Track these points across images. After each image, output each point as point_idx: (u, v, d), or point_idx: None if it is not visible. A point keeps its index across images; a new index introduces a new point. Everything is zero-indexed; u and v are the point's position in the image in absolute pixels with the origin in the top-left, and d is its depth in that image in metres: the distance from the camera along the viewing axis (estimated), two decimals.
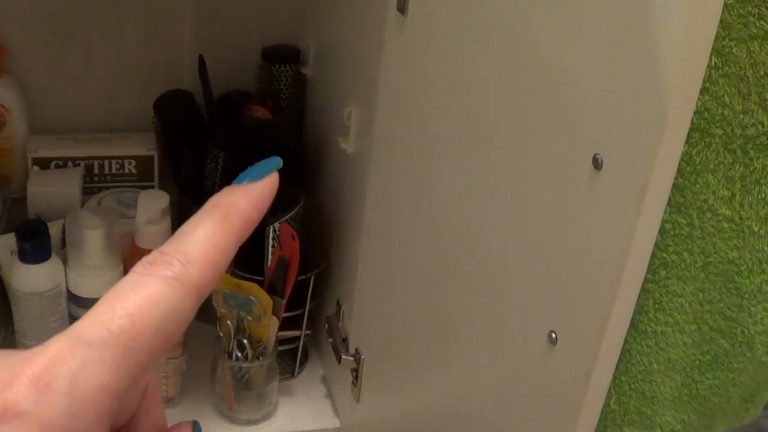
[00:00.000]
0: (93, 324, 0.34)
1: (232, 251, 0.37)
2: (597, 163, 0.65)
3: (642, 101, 0.61)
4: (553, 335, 0.73)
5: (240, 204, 0.38)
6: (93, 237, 1.19)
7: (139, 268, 0.36)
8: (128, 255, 1.26)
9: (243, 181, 0.39)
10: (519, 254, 0.78)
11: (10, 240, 1.25)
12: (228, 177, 1.29)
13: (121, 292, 0.35)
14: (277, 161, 0.39)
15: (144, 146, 1.48)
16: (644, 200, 0.62)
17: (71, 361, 0.33)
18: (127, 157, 1.47)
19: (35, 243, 1.19)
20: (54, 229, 1.25)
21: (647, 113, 0.61)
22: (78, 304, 1.23)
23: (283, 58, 1.43)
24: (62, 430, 0.33)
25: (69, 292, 1.23)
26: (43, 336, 1.24)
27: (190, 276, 0.36)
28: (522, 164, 0.76)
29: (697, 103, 0.64)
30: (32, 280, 1.21)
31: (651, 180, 0.61)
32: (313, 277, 1.29)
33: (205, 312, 1.38)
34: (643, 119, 0.61)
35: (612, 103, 0.64)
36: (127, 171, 1.47)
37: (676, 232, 0.79)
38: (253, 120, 1.37)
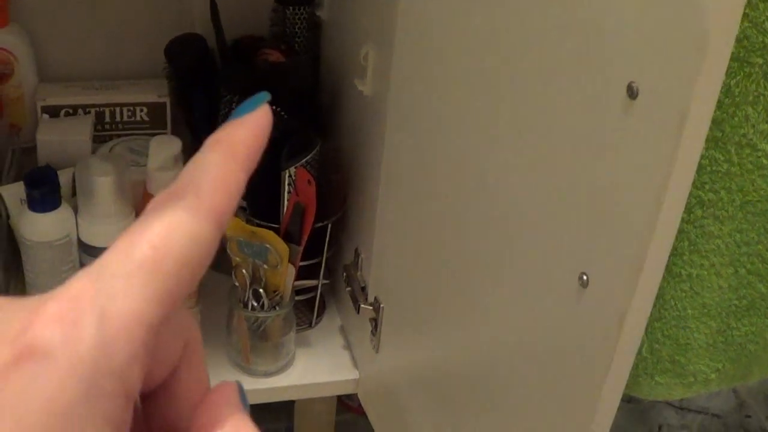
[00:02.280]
0: (114, 257, 0.32)
1: (241, 180, 0.36)
2: (632, 92, 0.61)
3: (681, 25, 0.57)
4: (584, 277, 0.69)
5: (238, 134, 0.37)
6: (104, 184, 1.17)
7: (150, 206, 0.35)
8: (140, 203, 1.23)
9: (235, 117, 0.38)
10: (547, 192, 0.74)
11: (19, 188, 1.23)
12: None
13: (138, 227, 0.33)
14: (265, 95, 0.39)
15: (155, 93, 1.45)
16: (683, 131, 0.58)
17: (96, 294, 0.31)
18: (139, 104, 1.44)
19: (44, 191, 1.17)
20: (64, 177, 1.22)
21: (687, 38, 0.57)
22: (89, 253, 1.20)
23: (298, 1, 1.40)
24: (95, 366, 0.30)
25: (80, 241, 1.21)
26: (54, 286, 1.20)
27: (205, 202, 0.35)
28: (551, 95, 0.72)
29: None
30: (42, 228, 1.18)
31: (691, 109, 0.57)
32: (330, 225, 1.26)
33: (220, 261, 1.36)
34: (682, 44, 0.57)
35: (648, 27, 0.60)
36: (138, 118, 1.45)
37: (713, 168, 0.76)
38: (266, 64, 1.33)
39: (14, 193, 1.25)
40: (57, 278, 1.21)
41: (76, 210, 1.20)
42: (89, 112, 1.44)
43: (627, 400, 1.92)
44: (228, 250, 1.21)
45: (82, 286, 0.32)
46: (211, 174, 0.36)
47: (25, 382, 0.30)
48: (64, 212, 1.19)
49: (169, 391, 0.37)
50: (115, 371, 0.31)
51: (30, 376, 0.30)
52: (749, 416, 2.01)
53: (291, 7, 1.39)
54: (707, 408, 2.04)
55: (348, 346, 1.37)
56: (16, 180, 1.30)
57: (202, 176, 0.35)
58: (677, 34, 0.58)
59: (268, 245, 1.18)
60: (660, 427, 2.01)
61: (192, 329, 0.38)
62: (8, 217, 1.27)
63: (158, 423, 0.38)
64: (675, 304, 0.83)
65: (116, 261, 0.32)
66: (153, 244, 0.32)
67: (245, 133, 0.37)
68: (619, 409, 0.72)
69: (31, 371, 0.30)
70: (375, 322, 1.20)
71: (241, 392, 0.38)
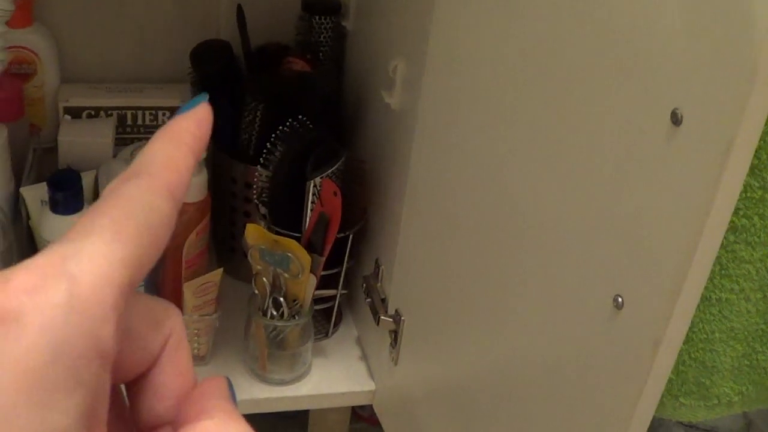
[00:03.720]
0: (77, 231, 0.33)
1: (190, 162, 0.38)
2: (676, 119, 0.61)
3: (729, 53, 0.57)
4: (620, 299, 0.69)
5: (182, 124, 0.39)
6: None
7: (105, 191, 0.36)
8: None
9: (177, 115, 0.40)
10: (585, 214, 0.74)
11: (40, 190, 1.23)
12: (265, 130, 1.26)
13: (96, 205, 0.35)
14: (203, 96, 0.41)
15: (179, 97, 1.45)
16: (728, 160, 0.58)
17: (64, 261, 0.32)
18: (161, 108, 1.44)
19: (68, 193, 1.17)
20: (86, 180, 1.22)
21: (735, 66, 0.57)
22: None
23: (324, 10, 1.40)
24: (66, 327, 0.31)
25: None
26: None
27: (158, 180, 0.36)
28: (592, 119, 0.72)
29: None
30: (63, 231, 1.17)
31: (737, 138, 0.57)
32: (351, 236, 1.26)
33: (239, 269, 1.37)
34: (730, 73, 0.57)
35: (695, 54, 0.60)
36: (160, 122, 1.45)
37: (748, 195, 0.76)
38: (291, 72, 1.33)
39: (35, 194, 1.25)
40: None
41: None
42: (111, 115, 1.43)
43: None
44: (249, 258, 1.21)
45: (49, 255, 0.32)
46: (160, 157, 0.37)
47: None
48: None
49: (154, 383, 0.38)
50: (86, 332, 0.31)
51: (1, 339, 0.30)
52: None
53: (317, 16, 1.39)
54: (716, 427, 2.03)
55: (364, 357, 1.36)
56: (36, 181, 1.30)
57: (152, 159, 0.37)
58: (725, 63, 0.58)
59: (290, 254, 1.18)
60: None
61: (175, 321, 0.38)
62: (29, 218, 1.27)
63: (143, 414, 0.38)
64: (703, 327, 0.83)
65: (79, 233, 0.33)
66: (111, 215, 0.34)
67: (188, 122, 0.39)
68: None
69: (1, 334, 0.30)
70: (395, 335, 1.20)
71: (230, 386, 0.39)
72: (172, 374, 0.38)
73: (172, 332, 0.38)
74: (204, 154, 1.22)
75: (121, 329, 0.33)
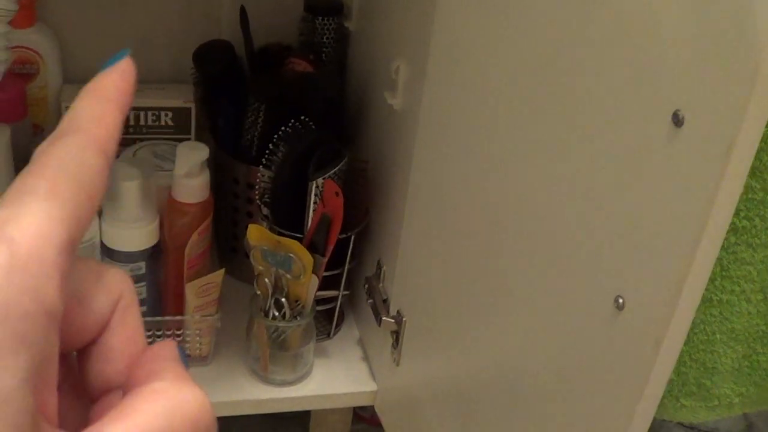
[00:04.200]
0: (10, 194, 0.33)
1: (117, 117, 0.38)
2: (677, 120, 0.61)
3: (731, 55, 0.57)
4: (620, 300, 0.69)
5: (106, 80, 0.38)
6: (129, 189, 1.17)
7: (35, 152, 0.36)
8: (165, 208, 1.23)
9: (99, 72, 0.40)
10: (586, 214, 0.74)
11: None
12: (268, 130, 1.26)
13: (28, 167, 0.34)
14: (126, 51, 0.40)
15: (181, 98, 1.45)
16: (729, 162, 0.58)
17: (1, 226, 0.32)
18: (164, 109, 1.44)
19: None
20: None
21: (737, 68, 0.57)
22: (112, 258, 1.20)
23: (327, 11, 1.40)
24: (8, 287, 0.30)
25: (103, 245, 1.21)
26: None
27: (84, 134, 0.36)
28: (593, 120, 0.72)
29: None
30: None
31: (738, 140, 0.57)
32: (353, 236, 1.26)
33: (241, 269, 1.37)
34: (731, 74, 0.57)
35: (697, 56, 0.60)
36: (163, 123, 1.44)
37: (749, 196, 0.76)
38: (294, 73, 1.33)
39: None
40: None
41: (99, 214, 1.20)
42: None
43: None
44: (251, 259, 1.21)
45: None
46: (87, 114, 0.37)
47: None
48: None
49: (104, 347, 0.38)
50: (29, 291, 0.31)
51: None
52: None
53: (320, 17, 1.40)
54: (716, 429, 2.03)
55: (366, 358, 1.37)
56: None
57: (80, 116, 0.37)
58: (726, 64, 0.58)
59: (292, 255, 1.18)
60: None
61: (124, 285, 0.38)
62: None
63: (94, 380, 0.38)
64: (704, 328, 0.83)
65: (14, 196, 0.33)
66: (45, 176, 0.33)
67: (111, 77, 0.38)
68: None
69: None
70: (396, 335, 1.20)
71: (181, 352, 0.38)
72: (122, 337, 0.38)
73: (122, 295, 0.38)
74: (206, 156, 1.22)
75: (65, 288, 0.33)
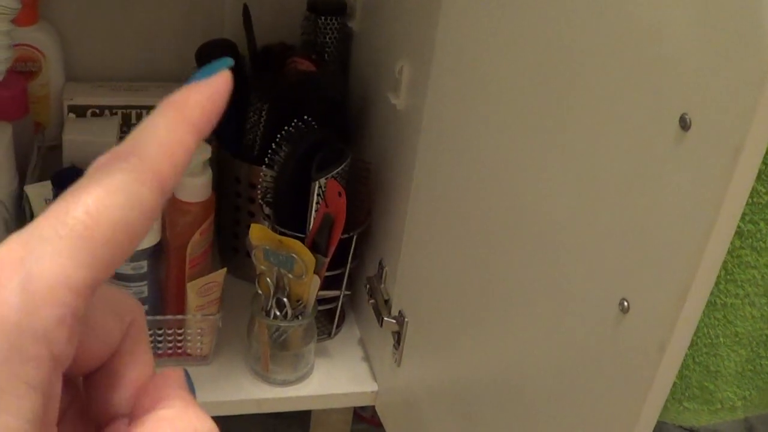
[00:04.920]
0: (47, 221, 0.31)
1: (190, 146, 0.35)
2: (684, 124, 0.61)
3: (739, 59, 0.57)
4: (625, 303, 0.69)
5: (193, 98, 0.35)
6: None
7: (91, 168, 0.33)
8: (166, 207, 1.23)
9: (193, 81, 0.36)
10: (592, 217, 0.74)
11: (44, 188, 1.23)
12: (270, 130, 1.26)
13: (75, 189, 0.32)
14: (228, 61, 0.37)
15: None
16: (736, 166, 0.58)
17: (24, 257, 0.30)
18: None
19: None
20: None
21: (745, 72, 0.57)
22: None
23: (330, 10, 1.40)
24: (18, 328, 0.30)
25: None
26: None
27: (148, 166, 0.33)
28: (600, 123, 0.72)
29: None
30: None
31: (746, 144, 0.57)
32: (355, 236, 1.26)
33: (242, 269, 1.37)
34: (739, 78, 0.57)
35: (705, 59, 0.60)
36: None
37: (754, 200, 0.76)
38: (297, 72, 1.33)
39: (39, 192, 1.25)
40: None
41: None
42: (116, 114, 1.43)
43: None
44: (253, 258, 1.21)
45: (9, 248, 0.31)
46: (158, 137, 0.34)
47: None
48: None
49: (112, 373, 0.37)
50: (39, 334, 0.30)
51: None
52: None
53: (323, 17, 1.39)
54: (717, 431, 2.03)
55: (367, 358, 1.36)
56: (40, 179, 1.29)
57: (149, 139, 0.34)
58: (734, 68, 0.58)
59: (294, 255, 1.18)
60: None
61: (136, 311, 0.37)
62: (32, 216, 1.26)
63: (101, 406, 0.37)
64: (708, 331, 0.83)
65: (48, 224, 0.31)
66: (87, 209, 0.31)
67: (201, 96, 0.36)
68: None
69: None
70: (398, 336, 1.20)
71: (188, 378, 0.37)
72: (131, 365, 0.37)
73: (133, 323, 0.37)
74: (209, 155, 1.22)
75: (78, 331, 0.31)
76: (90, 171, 0.33)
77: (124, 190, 0.32)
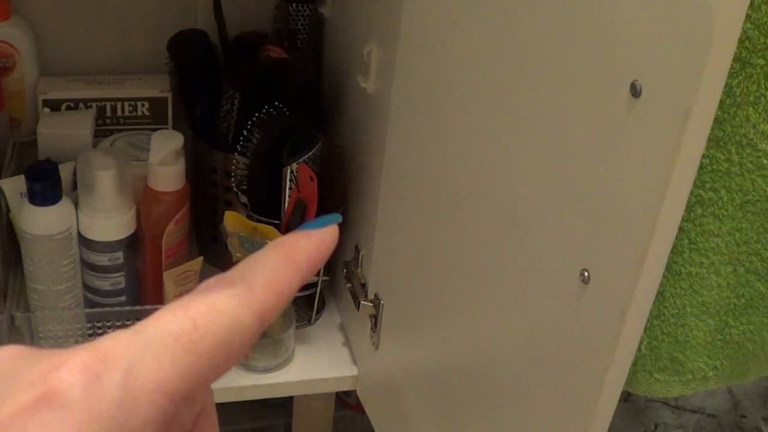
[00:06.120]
0: (153, 323, 0.33)
1: (294, 286, 0.37)
2: (635, 90, 0.62)
3: (685, 24, 0.58)
4: (586, 274, 0.70)
5: (303, 243, 0.38)
6: (105, 178, 1.17)
7: (202, 285, 0.36)
8: (141, 197, 1.23)
9: (304, 229, 0.40)
10: (550, 189, 0.75)
11: (19, 182, 1.23)
12: (243, 118, 1.26)
13: (184, 301, 0.34)
14: (337, 217, 0.41)
15: (157, 88, 1.45)
16: (686, 130, 0.59)
17: (127, 354, 0.31)
18: (140, 99, 1.44)
19: (45, 184, 1.16)
20: (65, 171, 1.22)
21: (690, 37, 0.57)
22: (89, 248, 1.20)
23: None
24: (113, 422, 0.30)
25: (80, 236, 1.21)
26: (53, 280, 1.23)
27: (253, 295, 0.35)
28: (554, 92, 0.73)
29: None
30: (42, 222, 1.18)
31: (694, 108, 0.58)
32: None
33: (221, 258, 1.37)
34: (686, 43, 0.58)
35: (653, 26, 0.61)
36: (140, 113, 1.44)
37: (714, 167, 0.76)
38: (268, 60, 1.33)
39: (14, 186, 1.25)
40: (56, 272, 1.21)
41: (77, 204, 1.20)
42: (91, 107, 1.43)
43: (623, 399, 1.93)
44: (229, 246, 1.21)
45: (114, 343, 0.32)
46: (266, 271, 0.36)
47: (41, 429, 0.30)
48: (64, 206, 1.19)
49: None
50: (132, 430, 0.31)
51: (47, 423, 0.30)
52: (744, 416, 2.01)
53: (294, 4, 1.39)
54: (703, 408, 2.04)
55: (347, 343, 1.37)
56: (16, 174, 1.29)
57: (258, 271, 0.36)
58: (681, 34, 0.58)
59: (269, 241, 1.17)
60: (656, 427, 2.02)
61: (207, 396, 0.38)
62: (8, 210, 1.27)
63: None
64: (674, 301, 0.83)
65: (155, 328, 0.32)
66: (195, 321, 0.33)
67: (309, 243, 0.38)
68: (615, 408, 0.73)
69: (49, 418, 0.30)
70: (375, 319, 1.20)
71: None
72: None
73: (205, 406, 0.38)
74: (181, 144, 1.22)
75: (166, 425, 0.32)
76: (199, 288, 0.36)
77: (230, 313, 0.34)
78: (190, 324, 0.33)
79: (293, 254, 0.38)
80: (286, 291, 0.37)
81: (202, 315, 0.33)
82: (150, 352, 0.32)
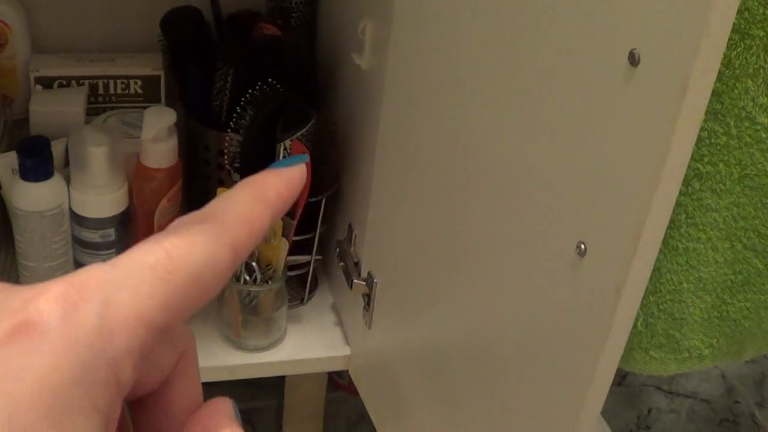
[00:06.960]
0: (129, 256, 0.33)
1: (266, 220, 0.38)
2: (633, 59, 0.61)
3: None
4: (582, 246, 0.69)
5: (272, 181, 0.39)
6: (97, 154, 1.16)
7: (173, 223, 0.36)
8: (133, 174, 1.22)
9: (272, 168, 0.40)
10: (546, 162, 0.74)
11: (11, 158, 1.22)
12: (237, 95, 1.25)
13: (157, 236, 0.34)
14: (304, 157, 0.41)
15: (150, 66, 1.44)
16: (684, 99, 0.58)
17: (104, 284, 0.32)
18: (133, 77, 1.43)
19: (37, 160, 1.15)
20: (57, 148, 1.21)
21: (689, 6, 0.56)
22: (81, 225, 1.19)
23: None
24: (91, 351, 0.31)
25: (72, 212, 1.20)
26: (45, 257, 1.22)
27: (226, 230, 0.36)
28: (552, 62, 0.72)
29: None
30: (34, 198, 1.17)
31: (692, 77, 0.57)
32: (324, 200, 1.25)
33: None
34: (684, 12, 0.57)
35: None
36: (132, 91, 1.44)
37: (712, 141, 0.75)
38: (263, 37, 1.32)
39: (6, 163, 1.24)
40: (48, 248, 1.20)
41: (68, 181, 1.20)
42: (83, 84, 1.42)
43: (617, 383, 1.92)
44: None
45: (91, 274, 0.32)
46: (238, 208, 0.37)
47: (18, 357, 0.30)
48: (56, 182, 1.18)
49: (161, 401, 0.38)
50: (110, 360, 0.31)
51: (24, 351, 0.30)
52: (738, 401, 2.01)
53: None
54: (696, 393, 2.04)
55: (340, 323, 1.36)
56: (7, 151, 1.29)
57: (229, 207, 0.37)
58: (680, 2, 0.57)
59: None
60: (649, 411, 2.01)
61: (188, 341, 0.38)
62: (0, 187, 1.26)
63: None
64: (671, 277, 0.83)
65: (130, 260, 0.33)
66: (169, 253, 0.33)
67: (279, 180, 0.39)
68: (608, 392, 0.72)
69: (27, 346, 0.30)
70: (368, 298, 1.19)
71: (235, 408, 0.38)
72: (180, 393, 0.38)
73: (185, 351, 0.38)
74: (173, 120, 1.21)
75: (142, 364, 0.33)
76: (171, 226, 0.36)
77: (203, 247, 0.35)
78: (165, 255, 0.33)
79: (264, 191, 0.38)
80: (258, 226, 0.37)
81: (176, 246, 0.34)
82: (127, 282, 0.32)
